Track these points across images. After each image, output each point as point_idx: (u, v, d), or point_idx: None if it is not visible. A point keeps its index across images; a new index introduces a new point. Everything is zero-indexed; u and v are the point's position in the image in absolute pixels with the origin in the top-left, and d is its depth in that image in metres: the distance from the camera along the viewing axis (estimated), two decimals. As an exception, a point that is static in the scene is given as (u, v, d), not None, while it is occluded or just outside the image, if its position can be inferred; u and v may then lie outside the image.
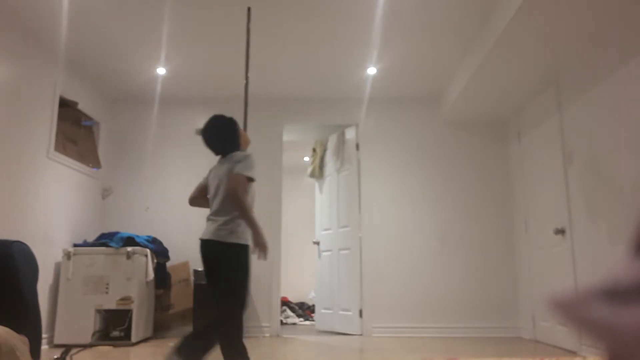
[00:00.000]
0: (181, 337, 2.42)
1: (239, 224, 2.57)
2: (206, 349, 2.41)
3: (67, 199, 4.75)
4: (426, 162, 5.50)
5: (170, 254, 5.17)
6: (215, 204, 2.66)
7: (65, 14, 3.83)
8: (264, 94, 5.48)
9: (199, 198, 2.85)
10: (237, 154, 2.67)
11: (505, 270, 5.26)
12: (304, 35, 4.23)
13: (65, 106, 4.74)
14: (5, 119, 3.88)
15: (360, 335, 5.17)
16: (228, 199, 2.56)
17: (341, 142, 5.79)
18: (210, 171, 2.82)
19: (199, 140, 5.64)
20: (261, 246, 2.52)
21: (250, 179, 2.59)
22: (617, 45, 3.44)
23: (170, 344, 4.51)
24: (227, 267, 2.54)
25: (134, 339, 4.36)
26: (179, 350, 2.35)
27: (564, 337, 4.12)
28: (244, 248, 2.58)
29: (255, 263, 5.30)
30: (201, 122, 5.68)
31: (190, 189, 5.52)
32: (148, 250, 4.70)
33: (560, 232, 4.18)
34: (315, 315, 6.04)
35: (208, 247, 2.59)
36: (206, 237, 2.59)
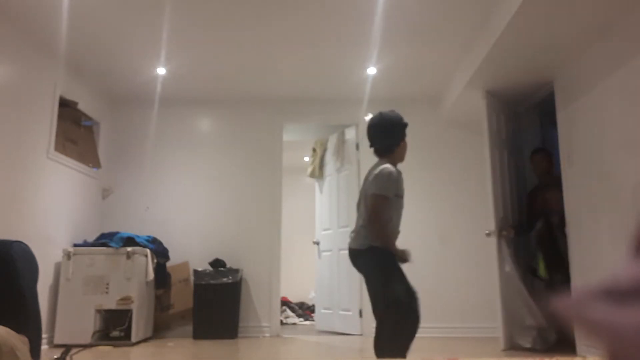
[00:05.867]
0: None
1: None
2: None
3: (67, 199, 4.75)
4: (426, 162, 5.49)
5: (170, 254, 5.17)
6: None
7: (65, 14, 3.83)
8: (264, 94, 5.48)
9: None
10: (379, 169, 2.78)
11: (505, 270, 5.24)
12: (304, 35, 4.22)
13: (65, 106, 4.74)
14: (5, 119, 3.88)
15: (360, 335, 5.17)
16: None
17: (341, 142, 5.78)
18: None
19: (199, 140, 5.65)
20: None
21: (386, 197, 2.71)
22: (617, 45, 3.43)
23: (169, 344, 4.51)
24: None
25: (134, 339, 4.36)
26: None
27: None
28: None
29: (255, 263, 5.30)
30: (201, 122, 5.68)
31: (190, 189, 5.53)
32: (148, 250, 4.70)
33: (560, 232, 4.18)
34: (315, 315, 6.04)
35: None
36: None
